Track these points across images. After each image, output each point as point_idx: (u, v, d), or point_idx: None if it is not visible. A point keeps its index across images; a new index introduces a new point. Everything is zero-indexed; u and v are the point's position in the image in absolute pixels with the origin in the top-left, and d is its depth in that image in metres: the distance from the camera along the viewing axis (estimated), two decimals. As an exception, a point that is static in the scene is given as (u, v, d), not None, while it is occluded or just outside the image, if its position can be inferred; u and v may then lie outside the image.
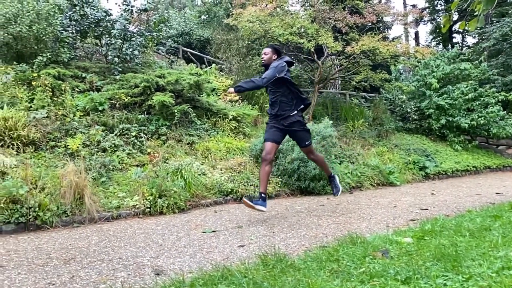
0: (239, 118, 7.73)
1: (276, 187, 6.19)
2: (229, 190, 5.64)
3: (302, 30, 9.00)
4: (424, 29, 40.84)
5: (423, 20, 22.01)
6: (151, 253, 3.24)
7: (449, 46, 21.58)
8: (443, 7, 21.92)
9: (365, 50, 9.05)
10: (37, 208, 4.06)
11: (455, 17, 19.64)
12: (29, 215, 4.00)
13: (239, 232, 3.98)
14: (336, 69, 10.98)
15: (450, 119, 11.39)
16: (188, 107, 7.05)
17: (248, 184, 5.86)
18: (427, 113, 11.63)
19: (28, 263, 2.93)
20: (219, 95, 8.38)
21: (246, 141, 7.40)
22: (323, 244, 3.35)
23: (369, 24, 10.93)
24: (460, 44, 22.89)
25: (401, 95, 11.92)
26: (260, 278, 2.03)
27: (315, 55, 10.02)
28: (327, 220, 4.58)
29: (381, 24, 12.37)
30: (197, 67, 8.79)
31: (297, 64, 12.95)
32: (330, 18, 9.31)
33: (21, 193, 4.07)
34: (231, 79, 8.97)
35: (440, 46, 23.07)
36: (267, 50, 4.46)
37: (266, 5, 9.14)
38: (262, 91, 9.48)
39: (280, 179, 6.32)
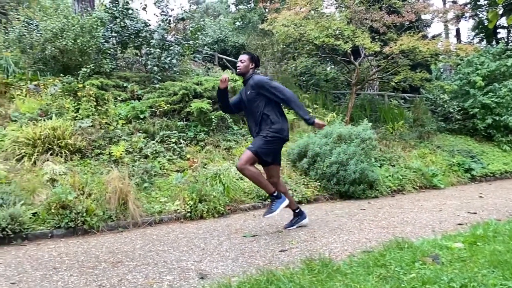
0: (276, 122, 7.70)
1: (315, 191, 6.11)
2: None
3: (338, 32, 8.88)
4: (466, 26, 39.30)
5: (464, 16, 21.14)
6: (194, 257, 3.28)
7: (494, 42, 20.59)
8: (485, 2, 20.97)
9: (404, 49, 8.80)
10: (85, 213, 4.22)
11: (500, 11, 18.72)
12: (78, 220, 4.16)
13: (280, 236, 3.96)
14: (374, 70, 10.75)
15: (497, 118, 10.83)
16: (225, 113, 7.12)
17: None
18: (471, 112, 11.12)
19: (79, 266, 3.05)
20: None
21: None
22: (367, 249, 3.27)
23: (407, 23, 10.63)
24: (506, 40, 21.79)
25: (442, 94, 11.47)
26: (307, 283, 2.00)
27: (352, 57, 9.85)
28: (370, 224, 4.46)
29: (419, 23, 11.99)
30: (232, 73, 8.87)
31: (332, 66, 12.82)
32: (366, 19, 9.13)
33: (69, 199, 4.26)
34: (267, 84, 8.97)
35: (484, 43, 22.05)
36: (244, 57, 3.94)
37: (301, 8, 9.11)
38: (298, 94, 9.44)
39: (319, 183, 6.24)
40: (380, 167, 7.39)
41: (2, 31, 8.37)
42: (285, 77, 9.82)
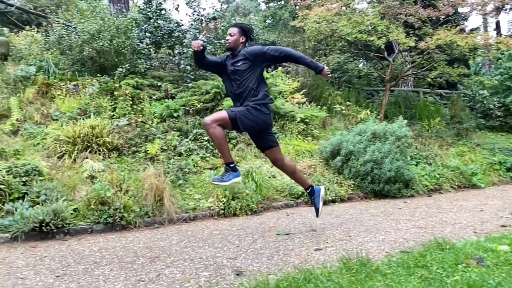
0: (307, 120, 7.65)
1: (349, 190, 6.01)
2: (300, 193, 5.59)
3: (371, 27, 8.68)
4: (506, 18, 37.42)
5: (504, 9, 20.16)
6: (229, 253, 3.31)
7: (537, 35, 19.52)
8: (528, -8, 19.89)
9: (440, 44, 8.48)
10: (122, 210, 4.34)
11: (543, 2, 17.70)
12: (116, 216, 4.28)
13: (314, 235, 3.92)
14: (408, 66, 10.44)
15: (542, 115, 10.28)
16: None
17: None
18: (513, 109, 10.61)
19: (118, 261, 3.14)
20: (286, 98, 8.37)
21: (315, 143, 7.30)
22: (406, 250, 3.18)
23: (443, 16, 10.26)
24: (550, 32, 20.62)
25: (482, 90, 11.00)
26: (346, 282, 1.96)
27: (385, 52, 9.62)
28: (406, 224, 4.35)
29: (456, 16, 11.53)
30: (267, 73, 8.87)
31: (365, 62, 12.56)
32: (400, 13, 8.86)
33: (108, 195, 4.39)
34: (298, 81, 8.91)
35: (526, 35, 20.95)
36: (234, 30, 3.56)
37: (332, 4, 8.97)
38: (330, 91, 9.34)
39: (353, 182, 6.14)
40: (416, 165, 7.18)
41: (43, 33, 8.73)
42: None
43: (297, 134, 7.33)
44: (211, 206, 4.95)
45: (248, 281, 2.38)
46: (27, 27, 9.70)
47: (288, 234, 3.96)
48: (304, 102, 8.27)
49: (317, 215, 3.97)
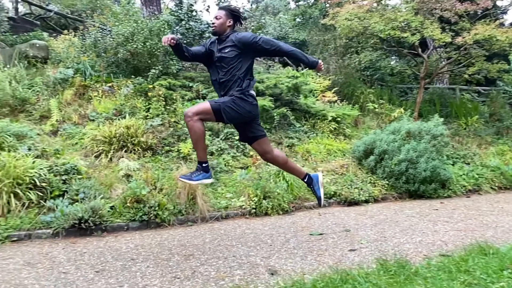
0: (339, 119, 7.55)
1: (383, 190, 5.88)
2: (332, 193, 5.52)
3: (405, 23, 8.46)
4: (548, 10, 35.60)
5: (547, 0, 19.12)
6: (262, 253, 3.31)
7: None
8: None
9: (478, 39, 8.16)
10: (157, 207, 4.42)
11: None
12: (150, 213, 4.37)
13: (348, 235, 3.87)
14: (444, 62, 10.10)
15: None
16: (287, 110, 7.10)
17: (352, 187, 5.67)
18: (558, 106, 10.06)
19: (154, 258, 3.20)
20: (316, 96, 8.29)
21: (347, 143, 7.19)
22: (445, 253, 3.08)
23: (481, 10, 9.85)
24: None
25: (523, 86, 10.50)
26: (384, 284, 1.92)
27: (420, 49, 9.34)
28: (444, 226, 4.20)
29: (495, 9, 11.06)
30: (293, 69, 8.81)
31: (398, 59, 12.25)
32: (436, 8, 8.59)
33: (143, 193, 4.49)
34: (329, 80, 8.81)
35: None
36: (220, 13, 3.26)
37: (364, 1, 8.80)
38: (362, 89, 9.17)
39: (387, 182, 5.99)
40: (452, 165, 6.93)
41: (80, 37, 9.05)
42: (348, 72, 9.55)
43: (328, 133, 7.25)
44: (243, 205, 4.96)
45: (284, 280, 2.37)
46: (65, 31, 10.09)
47: (321, 234, 3.92)
48: (336, 101, 8.17)
49: (319, 204, 3.67)
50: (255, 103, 3.29)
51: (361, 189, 5.68)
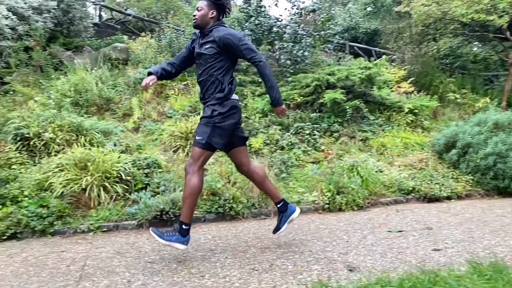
0: (416, 111, 7.13)
1: (467, 186, 5.44)
2: (410, 188, 5.23)
3: (490, 5, 7.73)
4: None
5: None
6: (339, 248, 3.24)
7: None
8: None
9: None
10: (231, 200, 4.53)
11: None
12: (225, 206, 4.48)
13: (430, 234, 3.64)
14: (537, 45, 9.07)
15: None
16: (360, 102, 6.86)
17: (432, 182, 5.33)
18: None
19: (231, 249, 3.28)
20: (391, 88, 7.91)
21: (425, 135, 6.77)
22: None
23: None
24: None
25: None
26: (481, 288, 1.76)
27: (508, 32, 8.49)
28: (544, 227, 3.78)
29: None
30: (365, 60, 8.49)
31: (481, 45, 11.25)
32: (528, -15, 7.73)
33: (218, 186, 4.62)
34: (404, 70, 8.36)
35: None
36: (201, 3, 2.97)
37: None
38: (441, 79, 8.58)
39: (471, 177, 5.54)
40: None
41: (156, 38, 9.56)
42: (425, 60, 8.98)
43: (405, 125, 6.89)
44: (315, 200, 4.90)
45: (366, 277, 2.29)
46: (142, 34, 10.73)
47: (400, 231, 3.74)
48: (412, 91, 7.73)
49: (273, 232, 3.31)
50: (236, 110, 3.02)
51: (442, 184, 5.31)
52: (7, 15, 7.11)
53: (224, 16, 3.06)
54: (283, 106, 3.02)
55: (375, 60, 8.85)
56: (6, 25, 7.05)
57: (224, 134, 2.94)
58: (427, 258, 2.95)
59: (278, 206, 3.27)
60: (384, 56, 8.82)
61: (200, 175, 2.91)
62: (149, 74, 3.20)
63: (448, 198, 5.17)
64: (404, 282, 1.96)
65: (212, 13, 2.95)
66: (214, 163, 5.28)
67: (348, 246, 3.30)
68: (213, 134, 2.89)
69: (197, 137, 2.91)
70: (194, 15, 2.97)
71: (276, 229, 3.28)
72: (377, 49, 11.81)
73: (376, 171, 5.49)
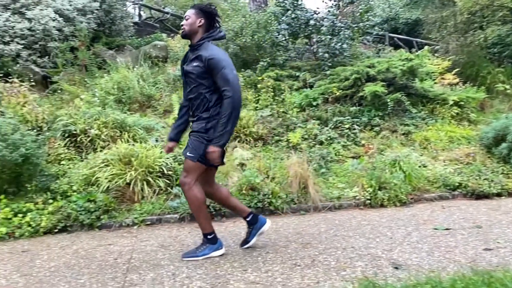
0: (462, 103, 6.81)
1: (518, 180, 5.14)
2: (457, 184, 5.01)
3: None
4: None
5: None
6: (383, 245, 3.15)
7: None
8: None
9: None
10: (270, 195, 4.52)
11: None
12: (264, 201, 4.48)
13: (480, 232, 3.47)
14: None
15: None
16: (401, 95, 6.64)
17: (480, 177, 5.07)
18: None
19: (272, 244, 3.28)
20: (435, 79, 7.59)
21: (472, 129, 6.46)
22: None
23: None
24: None
25: None
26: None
27: None
28: None
29: None
30: (406, 52, 8.21)
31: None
32: None
33: (257, 181, 4.63)
34: (449, 60, 8.00)
35: None
36: (189, 13, 2.88)
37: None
38: (489, 69, 8.14)
39: (523, 171, 5.23)
40: None
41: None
42: (471, 50, 8.54)
43: (450, 119, 6.61)
44: (356, 196, 4.80)
45: (415, 275, 2.21)
46: (180, 31, 10.89)
47: (447, 229, 3.59)
48: (457, 83, 7.39)
49: (241, 246, 3.22)
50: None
51: (492, 180, 5.04)
52: (54, 17, 7.45)
53: (215, 26, 2.94)
54: (218, 150, 2.76)
55: (416, 51, 8.51)
56: (54, 27, 7.39)
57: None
58: (478, 258, 2.82)
59: (248, 219, 3.15)
60: (426, 47, 8.49)
61: (198, 186, 2.90)
62: (170, 139, 3.18)
63: (498, 195, 4.90)
64: (456, 282, 1.87)
65: (200, 21, 2.85)
66: (253, 158, 5.30)
67: (392, 242, 3.21)
68: (205, 149, 2.81)
69: (188, 154, 2.84)
70: (182, 25, 2.90)
71: (244, 242, 3.20)
72: (418, 39, 11.38)
73: (419, 166, 5.29)
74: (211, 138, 2.78)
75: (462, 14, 8.93)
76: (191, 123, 3.00)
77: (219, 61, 2.74)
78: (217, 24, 2.94)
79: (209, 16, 2.87)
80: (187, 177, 2.85)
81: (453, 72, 7.72)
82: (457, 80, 7.48)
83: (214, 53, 2.78)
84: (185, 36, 2.89)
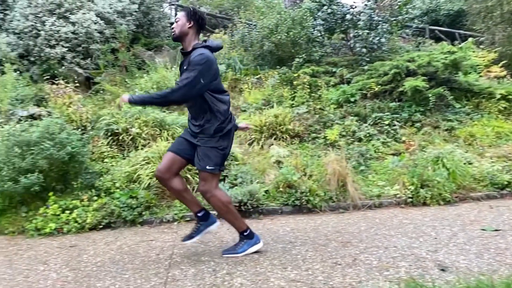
0: (510, 97, 6.46)
1: None
2: (506, 182, 4.75)
3: None
4: None
5: None
6: (427, 245, 3.04)
7: None
8: None
9: None
10: (308, 193, 4.47)
11: None
12: (302, 199, 4.44)
13: (533, 233, 3.27)
14: None
15: None
16: (444, 90, 6.37)
17: (532, 175, 4.79)
18: None
19: (311, 242, 3.25)
20: (480, 73, 7.24)
21: (522, 124, 6.11)
22: None
23: None
24: None
25: None
26: None
27: None
28: None
29: None
30: (448, 44, 7.87)
31: None
32: None
33: (294, 179, 4.59)
34: (495, 52, 7.59)
35: None
36: (179, 15, 2.88)
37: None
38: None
39: None
40: None
41: (229, 34, 9.76)
42: (519, 41, 8.10)
43: (497, 113, 6.29)
44: (397, 194, 4.66)
45: (465, 279, 2.12)
46: (216, 30, 11.03)
47: (496, 230, 3.41)
48: (505, 76, 7.01)
49: (183, 240, 3.13)
50: (221, 135, 2.85)
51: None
52: (96, 20, 7.73)
53: (201, 31, 2.93)
54: (126, 99, 2.75)
55: (459, 43, 8.15)
56: (95, 29, 7.67)
57: (226, 152, 2.92)
58: (532, 260, 2.66)
59: (199, 215, 3.07)
60: (470, 39, 8.11)
61: (219, 190, 2.96)
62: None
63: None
64: (510, 286, 1.77)
65: (190, 23, 2.81)
66: (289, 156, 5.27)
67: (437, 243, 3.09)
68: (223, 159, 2.88)
69: (208, 167, 2.81)
70: (172, 28, 2.87)
71: (188, 237, 3.10)
72: (461, 31, 10.89)
73: (464, 163, 5.06)
74: (220, 144, 2.83)
75: (509, 3, 8.44)
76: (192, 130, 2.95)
77: (197, 63, 2.68)
78: (202, 28, 2.90)
79: (198, 18, 2.84)
80: (206, 185, 2.87)
81: (500, 65, 7.33)
82: (505, 72, 7.10)
83: (198, 55, 2.71)
84: (176, 38, 2.86)
